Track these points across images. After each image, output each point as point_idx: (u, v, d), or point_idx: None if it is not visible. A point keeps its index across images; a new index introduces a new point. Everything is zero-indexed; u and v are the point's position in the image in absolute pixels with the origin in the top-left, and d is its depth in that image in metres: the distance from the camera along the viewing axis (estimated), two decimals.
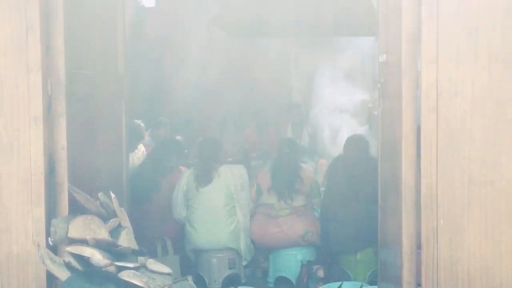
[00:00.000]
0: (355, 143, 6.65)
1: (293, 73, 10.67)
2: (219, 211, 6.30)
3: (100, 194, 3.74)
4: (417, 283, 3.56)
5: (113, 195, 3.76)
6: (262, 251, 6.62)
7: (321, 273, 6.13)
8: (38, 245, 3.55)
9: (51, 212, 3.79)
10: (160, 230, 6.33)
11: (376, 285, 5.77)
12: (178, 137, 7.97)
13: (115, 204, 3.79)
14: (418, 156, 3.50)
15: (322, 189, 6.72)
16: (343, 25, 8.74)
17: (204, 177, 6.30)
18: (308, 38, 10.07)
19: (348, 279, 6.11)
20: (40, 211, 3.72)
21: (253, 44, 10.10)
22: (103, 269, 3.41)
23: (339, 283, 5.73)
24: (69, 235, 3.66)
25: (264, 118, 9.64)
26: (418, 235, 3.51)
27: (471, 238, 3.37)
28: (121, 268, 3.65)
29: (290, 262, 6.40)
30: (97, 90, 4.23)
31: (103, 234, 3.68)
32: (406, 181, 3.47)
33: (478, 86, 3.31)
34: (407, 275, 3.50)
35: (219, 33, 8.88)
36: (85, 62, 4.07)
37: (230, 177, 6.33)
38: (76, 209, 3.82)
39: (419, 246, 3.53)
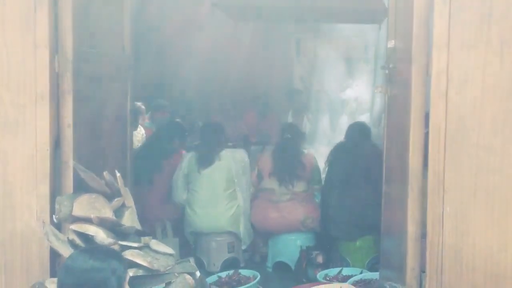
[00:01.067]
0: (357, 129, 6.65)
1: (295, 59, 10.63)
2: (220, 194, 6.30)
3: (105, 173, 3.72)
4: (421, 270, 3.56)
5: (118, 174, 3.74)
6: (262, 236, 6.62)
7: (320, 259, 6.13)
8: (43, 222, 3.54)
9: (55, 190, 3.77)
10: (160, 212, 6.33)
11: (375, 271, 5.79)
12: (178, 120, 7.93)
13: (120, 183, 3.77)
14: (425, 143, 3.48)
15: (323, 175, 6.72)
16: (346, 12, 8.70)
17: (205, 160, 6.29)
18: (311, 24, 10.03)
19: (347, 265, 6.12)
20: (45, 189, 3.71)
21: (256, 28, 10.05)
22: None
23: (338, 268, 5.74)
24: (73, 213, 3.64)
25: (264, 104, 9.62)
26: (423, 222, 3.51)
27: (477, 225, 3.36)
28: (125, 247, 3.64)
29: (290, 247, 6.40)
30: (103, 69, 4.20)
31: (107, 213, 3.66)
32: (413, 167, 3.46)
33: (489, 73, 3.29)
34: (411, 262, 3.50)
35: (222, 16, 8.83)
36: (92, 40, 4.04)
37: (231, 161, 6.33)
38: (81, 187, 3.81)
39: (423, 234, 3.53)
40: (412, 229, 3.48)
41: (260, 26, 9.98)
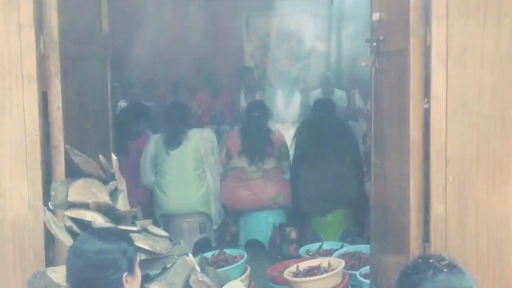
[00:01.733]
0: (323, 105, 6.67)
1: (245, 36, 10.55)
2: (189, 175, 6.24)
3: (100, 157, 3.60)
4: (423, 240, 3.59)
5: (114, 157, 3.63)
6: (232, 215, 6.60)
7: (293, 235, 6.17)
8: (44, 209, 3.40)
9: (47, 176, 3.64)
10: (129, 196, 6.20)
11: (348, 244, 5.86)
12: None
13: (115, 166, 3.66)
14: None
15: (291, 152, 6.72)
16: None
17: (173, 141, 6.21)
18: (260, 1, 9.97)
19: (319, 240, 6.16)
20: (36, 175, 3.56)
21: (204, 6, 9.93)
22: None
23: (318, 243, 5.77)
24: (69, 199, 3.52)
25: (217, 83, 9.52)
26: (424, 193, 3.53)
27: (479, 193, 3.40)
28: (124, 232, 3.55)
29: (261, 225, 6.41)
30: (82, 49, 4.05)
31: (104, 197, 3.55)
32: (414, 138, 3.46)
33: (488, 42, 3.32)
34: (414, 232, 3.51)
35: None
36: (70, 19, 3.87)
37: (199, 140, 6.26)
38: (72, 172, 3.68)
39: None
40: (414, 199, 3.49)
41: (209, 3, 9.85)
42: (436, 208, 3.44)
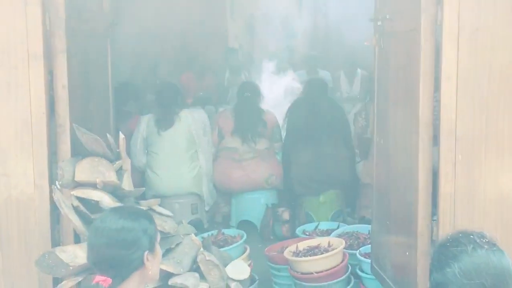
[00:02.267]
0: (315, 85, 6.65)
1: (229, 17, 10.48)
2: (181, 156, 6.19)
3: (108, 136, 3.56)
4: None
5: (122, 136, 3.59)
6: (224, 195, 6.58)
7: (286, 216, 6.17)
8: (54, 188, 3.35)
9: (52, 155, 3.58)
10: None
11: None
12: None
13: (122, 145, 3.62)
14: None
15: (282, 133, 6.71)
16: None
17: (165, 121, 6.14)
18: None
19: (311, 220, 6.17)
20: (42, 154, 3.52)
21: None
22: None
23: (314, 224, 5.78)
24: (76, 178, 3.48)
25: (201, 64, 9.46)
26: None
27: (487, 172, 3.43)
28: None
29: (254, 205, 6.40)
30: (84, 27, 3.98)
31: (112, 176, 3.52)
32: (423, 117, 3.47)
33: (499, 22, 3.33)
34: (422, 211, 3.53)
35: None
36: None
37: (191, 121, 6.21)
38: (77, 151, 3.63)
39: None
40: (423, 178, 3.50)
41: None
42: (445, 186, 3.46)
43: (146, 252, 2.54)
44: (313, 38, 10.65)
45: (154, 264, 2.58)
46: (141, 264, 2.53)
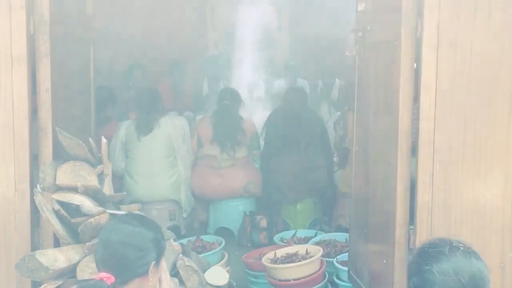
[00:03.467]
0: (294, 94, 6.71)
1: (210, 25, 10.51)
2: (160, 162, 6.20)
3: (90, 140, 3.57)
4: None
5: (104, 141, 3.61)
6: (201, 203, 6.60)
7: (264, 223, 6.20)
8: (36, 191, 3.35)
9: (33, 159, 3.59)
10: None
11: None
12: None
13: (103, 150, 3.64)
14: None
15: (261, 141, 6.76)
16: None
17: (144, 127, 6.15)
18: None
19: (288, 228, 6.22)
20: (24, 157, 3.52)
21: None
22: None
23: (292, 231, 5.81)
24: (57, 182, 3.49)
25: (180, 72, 9.47)
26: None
27: (464, 182, 3.50)
28: (113, 216, 3.53)
29: (232, 213, 6.43)
30: (69, 31, 3.99)
31: (93, 180, 3.53)
32: (403, 127, 3.53)
33: (478, 34, 3.40)
34: (400, 219, 3.58)
35: None
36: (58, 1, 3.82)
37: (171, 128, 6.23)
38: (58, 155, 3.64)
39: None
40: (401, 186, 3.56)
41: None
42: (422, 195, 3.52)
43: (153, 263, 2.57)
44: (293, 47, 10.72)
45: (155, 278, 2.60)
46: (145, 272, 2.55)
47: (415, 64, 3.52)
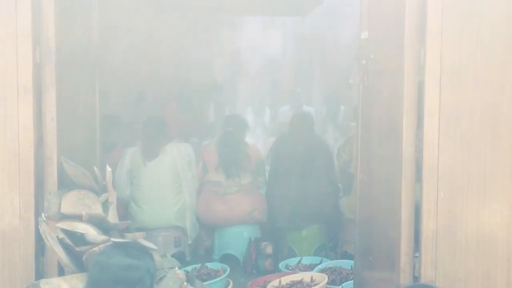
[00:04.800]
0: (301, 120, 6.72)
1: (215, 51, 10.58)
2: (166, 189, 6.22)
3: (95, 168, 3.59)
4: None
5: (109, 169, 3.62)
6: (206, 229, 6.59)
7: (269, 250, 6.18)
8: (41, 220, 3.36)
9: (39, 187, 3.60)
10: None
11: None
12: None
13: (108, 178, 3.65)
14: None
15: (267, 167, 6.77)
16: (268, 3, 8.74)
17: (150, 153, 6.20)
18: (231, 16, 10.02)
19: (293, 255, 6.20)
20: (29, 186, 3.53)
21: (174, 20, 9.90)
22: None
23: (297, 258, 5.80)
24: (62, 211, 3.50)
25: (186, 97, 9.52)
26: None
27: (469, 209, 3.49)
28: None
29: (237, 239, 6.41)
30: (75, 60, 4.03)
31: (98, 209, 3.55)
32: (407, 155, 3.53)
33: (481, 61, 3.42)
34: (405, 247, 3.58)
35: (141, 9, 8.66)
36: (61, 30, 3.86)
37: (177, 155, 6.26)
38: (63, 183, 3.66)
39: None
40: (406, 214, 3.56)
41: (178, 17, 9.82)
42: (427, 223, 3.52)
43: None
44: (298, 74, 10.78)
45: None
46: None
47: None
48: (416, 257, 3.61)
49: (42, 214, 3.46)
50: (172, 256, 6.03)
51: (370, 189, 4.14)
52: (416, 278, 3.54)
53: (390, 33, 3.79)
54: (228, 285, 4.88)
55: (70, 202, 3.50)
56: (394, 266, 3.68)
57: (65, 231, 3.47)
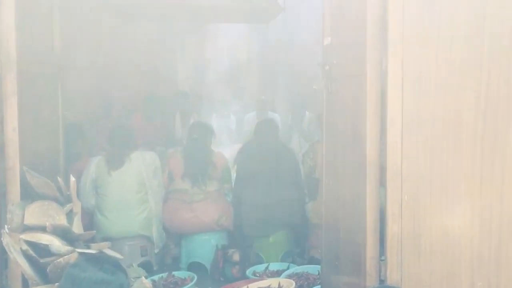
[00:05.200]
0: (266, 127, 6.74)
1: (180, 60, 10.55)
2: (131, 198, 6.19)
3: (59, 179, 3.55)
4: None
5: (73, 179, 3.59)
6: (173, 237, 6.57)
7: (236, 257, 6.18)
8: (4, 232, 3.32)
9: (1, 199, 3.55)
10: None
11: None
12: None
13: (72, 188, 3.62)
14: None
15: (233, 174, 6.77)
16: (233, 11, 8.75)
17: (115, 162, 6.16)
18: (196, 24, 10.01)
19: (261, 261, 6.21)
20: None
21: (139, 28, 9.87)
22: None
23: (265, 264, 5.80)
24: (25, 222, 3.46)
25: (151, 106, 9.46)
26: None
27: (433, 212, 3.52)
28: (83, 255, 3.50)
29: (204, 247, 6.41)
30: (36, 69, 3.99)
31: (62, 219, 3.51)
32: (371, 160, 3.56)
33: (441, 67, 3.46)
34: (371, 251, 3.60)
35: (107, 16, 8.61)
36: (22, 38, 3.82)
37: (142, 163, 6.23)
38: (27, 193, 3.61)
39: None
40: (371, 218, 3.59)
41: (145, 26, 9.79)
42: (392, 226, 3.54)
43: None
44: (263, 81, 10.80)
45: None
46: None
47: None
48: (382, 260, 3.64)
49: (5, 226, 3.41)
50: (139, 265, 6.05)
51: (335, 194, 4.16)
52: (382, 282, 3.56)
53: (352, 39, 3.83)
54: None
55: (34, 213, 3.46)
56: (360, 270, 3.70)
57: (28, 243, 3.44)
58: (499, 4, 3.45)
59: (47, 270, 3.32)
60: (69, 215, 3.69)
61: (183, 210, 6.36)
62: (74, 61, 8.55)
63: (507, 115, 3.47)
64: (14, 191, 3.57)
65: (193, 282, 5.05)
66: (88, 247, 3.72)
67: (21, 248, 3.39)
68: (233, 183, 6.70)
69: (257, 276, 5.47)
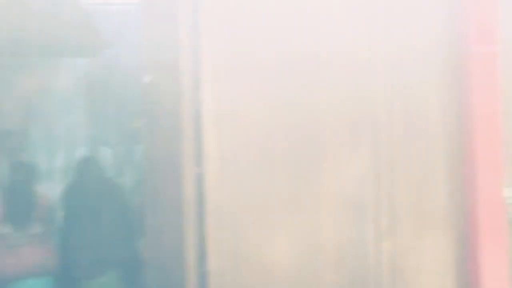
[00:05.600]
0: (86, 165, 6.56)
1: (4, 96, 10.09)
2: None
3: None
4: None
5: None
6: None
7: None
8: None
9: None
10: None
11: None
12: None
13: None
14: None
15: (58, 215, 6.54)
16: (56, 45, 8.52)
17: None
18: (20, 58, 9.63)
19: None
20: None
21: None
22: None
23: None
24: None
25: None
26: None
27: (252, 244, 3.62)
28: None
29: None
30: None
31: None
32: (188, 198, 3.59)
33: (255, 105, 3.56)
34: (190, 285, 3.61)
35: None
36: None
37: None
38: None
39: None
40: (190, 256, 3.60)
41: None
42: (213, 263, 3.57)
43: None
44: (91, 115, 10.56)
45: None
46: None
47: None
48: None
49: None
50: None
51: (159, 231, 4.14)
52: None
53: (169, 77, 3.84)
54: None
55: None
56: None
57: None
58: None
59: None
60: None
61: (6, 256, 6.02)
62: None
63: (318, 149, 3.62)
64: None
65: None
66: None
67: None
68: (58, 225, 6.45)
69: None
